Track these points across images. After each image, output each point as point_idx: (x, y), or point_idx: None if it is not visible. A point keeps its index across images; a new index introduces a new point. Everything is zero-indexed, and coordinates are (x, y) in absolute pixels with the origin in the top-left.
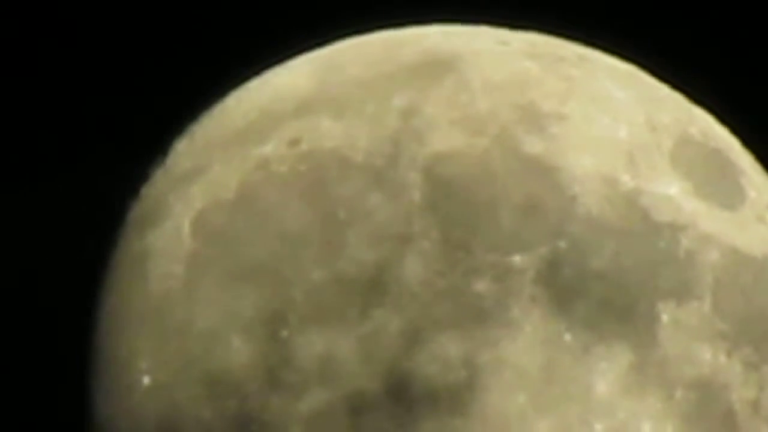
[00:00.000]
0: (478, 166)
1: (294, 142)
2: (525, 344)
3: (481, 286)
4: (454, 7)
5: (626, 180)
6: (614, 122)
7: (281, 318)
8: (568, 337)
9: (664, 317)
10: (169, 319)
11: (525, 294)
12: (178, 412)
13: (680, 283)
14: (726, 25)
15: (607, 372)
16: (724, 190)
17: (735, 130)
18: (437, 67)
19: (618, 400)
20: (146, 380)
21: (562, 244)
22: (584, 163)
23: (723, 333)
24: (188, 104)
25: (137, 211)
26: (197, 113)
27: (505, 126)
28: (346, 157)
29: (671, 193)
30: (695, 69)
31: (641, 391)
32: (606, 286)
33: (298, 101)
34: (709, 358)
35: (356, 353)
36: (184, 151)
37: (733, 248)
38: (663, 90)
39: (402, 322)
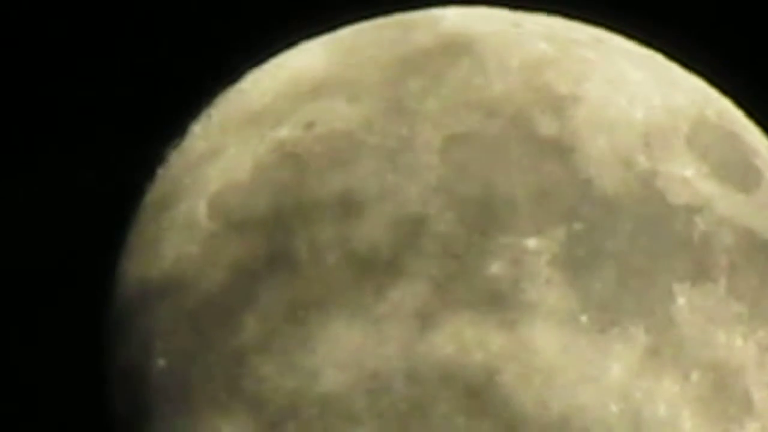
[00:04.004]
0: (493, 148)
1: (309, 125)
2: (541, 327)
3: (497, 268)
4: None
5: (642, 162)
6: (630, 104)
7: (298, 300)
8: (583, 319)
9: (680, 300)
10: (185, 301)
11: (541, 276)
12: (192, 394)
13: (696, 265)
14: (744, 7)
15: (622, 354)
16: (740, 173)
17: (751, 113)
18: (453, 50)
19: (634, 382)
20: (161, 362)
21: (578, 225)
22: (600, 145)
23: (739, 315)
24: (205, 87)
25: (154, 192)
26: (213, 96)
27: (520, 108)
28: (362, 139)
29: (687, 175)
30: (711, 52)
31: (657, 374)
32: (621, 268)
33: (313, 84)
34: (725, 340)
35: (371, 335)
36: (201, 133)
37: (749, 230)
38: (679, 72)
39: (417, 305)
